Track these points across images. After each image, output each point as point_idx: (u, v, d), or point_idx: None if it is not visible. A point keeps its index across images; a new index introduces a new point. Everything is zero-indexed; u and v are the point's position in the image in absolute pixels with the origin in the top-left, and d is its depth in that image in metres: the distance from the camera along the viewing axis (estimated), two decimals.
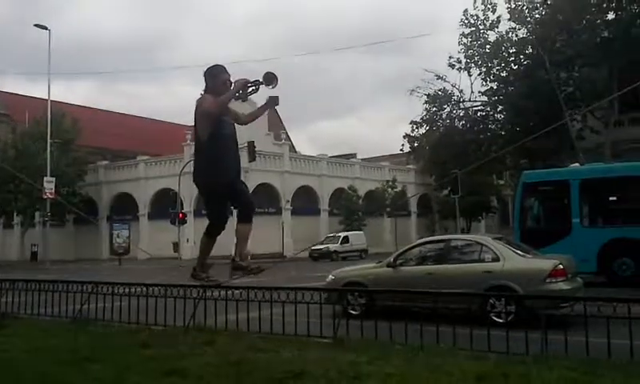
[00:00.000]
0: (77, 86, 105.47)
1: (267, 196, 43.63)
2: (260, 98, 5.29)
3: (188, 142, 45.64)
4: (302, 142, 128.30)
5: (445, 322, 7.49)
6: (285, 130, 49.85)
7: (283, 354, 6.74)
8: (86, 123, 49.17)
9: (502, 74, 36.16)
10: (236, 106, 5.36)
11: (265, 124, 47.23)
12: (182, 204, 39.73)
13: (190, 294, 9.43)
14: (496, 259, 10.43)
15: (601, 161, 23.16)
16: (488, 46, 35.83)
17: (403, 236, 44.61)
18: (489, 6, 35.22)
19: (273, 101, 5.17)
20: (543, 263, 10.38)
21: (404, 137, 44.36)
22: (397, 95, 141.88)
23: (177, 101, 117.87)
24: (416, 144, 44.68)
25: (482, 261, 10.63)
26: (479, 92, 38.84)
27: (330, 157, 51.90)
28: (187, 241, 41.42)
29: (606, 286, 14.60)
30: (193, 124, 5.17)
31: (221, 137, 5.05)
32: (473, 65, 37.10)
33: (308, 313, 8.37)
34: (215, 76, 5.12)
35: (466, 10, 36.02)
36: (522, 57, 35.25)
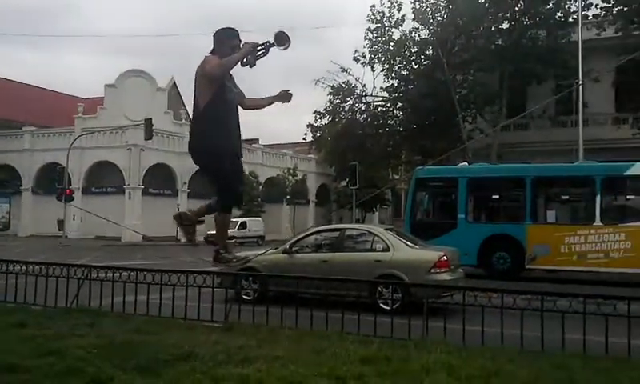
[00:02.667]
0: None
1: (163, 177, 42.27)
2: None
3: (80, 114, 43.21)
4: None
5: (334, 308, 7.71)
6: (186, 109, 48.22)
7: (171, 337, 6.63)
8: None
9: (403, 72, 37.25)
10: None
11: (164, 101, 45.67)
12: (69, 179, 37.56)
13: (73, 273, 9.02)
14: (386, 249, 10.86)
15: (487, 161, 24.61)
16: (392, 44, 36.74)
17: (301, 224, 45.06)
18: (395, 3, 36.16)
19: (286, 96, 4.76)
20: (429, 254, 10.93)
21: (307, 126, 44.68)
22: (303, 84, 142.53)
23: (70, 71, 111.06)
24: (318, 134, 45.11)
25: (374, 250, 11.03)
26: (381, 88, 39.91)
27: None
28: (73, 218, 39.30)
29: (484, 278, 15.61)
30: (193, 89, 4.57)
31: (222, 102, 4.53)
32: (376, 60, 37.96)
33: (199, 297, 8.27)
34: (223, 40, 4.58)
35: (373, 6, 36.79)
36: (422, 57, 36.49)
